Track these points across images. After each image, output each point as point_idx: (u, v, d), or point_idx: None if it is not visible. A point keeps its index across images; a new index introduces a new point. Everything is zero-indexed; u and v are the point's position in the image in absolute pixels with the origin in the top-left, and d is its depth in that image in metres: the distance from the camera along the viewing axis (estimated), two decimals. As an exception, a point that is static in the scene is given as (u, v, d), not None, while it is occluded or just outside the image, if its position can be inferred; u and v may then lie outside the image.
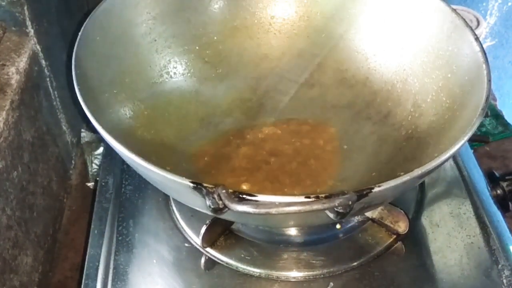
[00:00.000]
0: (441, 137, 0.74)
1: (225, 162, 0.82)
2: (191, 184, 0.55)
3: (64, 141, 0.99)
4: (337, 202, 0.52)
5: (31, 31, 0.84)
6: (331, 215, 0.55)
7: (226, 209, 0.54)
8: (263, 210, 0.51)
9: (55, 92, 0.94)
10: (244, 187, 0.78)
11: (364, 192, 0.54)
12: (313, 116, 0.89)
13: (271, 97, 0.92)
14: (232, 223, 0.77)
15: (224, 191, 0.53)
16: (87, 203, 0.98)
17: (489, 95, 0.66)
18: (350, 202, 0.53)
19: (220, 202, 0.53)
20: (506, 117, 1.15)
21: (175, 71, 0.89)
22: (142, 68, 0.86)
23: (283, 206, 0.52)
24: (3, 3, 0.80)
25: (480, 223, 0.80)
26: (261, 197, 0.53)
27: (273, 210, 0.51)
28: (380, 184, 0.55)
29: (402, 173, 0.57)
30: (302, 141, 0.86)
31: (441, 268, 0.75)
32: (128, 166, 0.88)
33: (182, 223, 0.80)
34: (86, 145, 1.05)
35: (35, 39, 0.86)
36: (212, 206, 0.54)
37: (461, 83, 0.75)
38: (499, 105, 1.22)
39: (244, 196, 0.53)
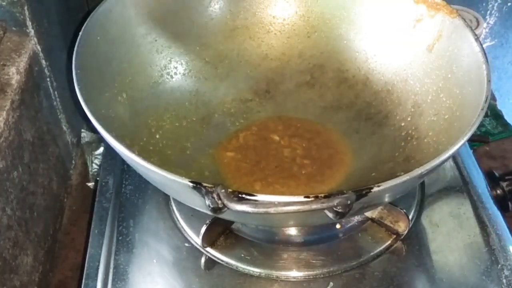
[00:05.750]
0: (441, 137, 0.74)
1: (226, 162, 0.83)
2: (191, 184, 0.55)
3: (64, 141, 1.00)
4: (336, 201, 0.52)
5: (31, 31, 0.84)
6: (330, 215, 0.55)
7: (226, 208, 0.54)
8: (262, 210, 0.51)
9: (55, 92, 0.94)
10: (257, 187, 0.79)
11: (364, 192, 0.55)
12: (314, 116, 0.90)
13: (271, 97, 0.92)
14: (232, 223, 0.77)
15: (223, 190, 0.53)
16: (87, 203, 0.98)
17: (489, 95, 0.66)
18: (349, 202, 0.53)
19: (220, 202, 0.53)
20: (506, 117, 1.16)
21: (175, 71, 0.89)
22: (142, 68, 0.86)
23: (282, 205, 0.52)
24: (3, 3, 0.80)
25: (480, 223, 0.80)
26: (260, 197, 0.53)
27: (272, 210, 0.51)
28: (379, 184, 0.55)
29: (402, 173, 0.57)
30: (304, 142, 0.86)
31: (441, 268, 0.75)
32: (128, 166, 0.88)
33: (182, 223, 0.80)
34: (86, 145, 1.06)
35: (35, 39, 0.86)
36: (211, 206, 0.54)
37: (461, 84, 0.75)
38: (499, 105, 1.22)
39: (243, 195, 0.53)
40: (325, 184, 0.80)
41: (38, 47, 0.87)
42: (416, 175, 0.58)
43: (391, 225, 0.78)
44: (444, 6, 0.80)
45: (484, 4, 1.33)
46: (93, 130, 1.05)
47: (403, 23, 0.86)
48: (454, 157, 0.89)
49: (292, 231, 0.79)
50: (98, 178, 0.92)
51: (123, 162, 0.89)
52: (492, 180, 0.87)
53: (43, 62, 0.89)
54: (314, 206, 0.52)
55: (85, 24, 0.75)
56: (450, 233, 0.79)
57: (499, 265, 0.75)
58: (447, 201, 0.83)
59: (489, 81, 0.68)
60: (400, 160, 0.78)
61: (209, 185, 0.55)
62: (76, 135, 1.05)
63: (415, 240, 0.78)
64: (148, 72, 0.86)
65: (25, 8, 0.82)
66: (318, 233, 0.79)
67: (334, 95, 0.91)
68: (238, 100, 0.91)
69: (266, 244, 0.77)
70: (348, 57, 0.92)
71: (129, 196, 0.85)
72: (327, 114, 0.90)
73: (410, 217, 0.79)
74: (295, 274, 0.74)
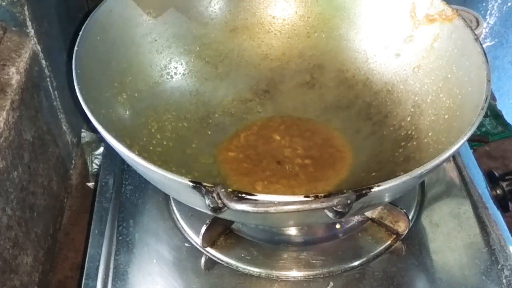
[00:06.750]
0: (441, 137, 0.74)
1: (227, 162, 0.83)
2: (191, 183, 0.55)
3: (64, 141, 1.00)
4: (335, 201, 0.52)
5: (31, 31, 0.84)
6: (330, 215, 0.55)
7: (225, 208, 0.54)
8: (261, 209, 0.51)
9: (55, 92, 0.94)
10: (258, 187, 0.79)
11: (363, 192, 0.54)
12: (314, 116, 0.90)
13: (271, 98, 0.92)
14: (232, 222, 0.77)
15: (223, 190, 0.53)
16: (87, 203, 0.98)
17: (489, 95, 0.66)
18: (348, 201, 0.53)
19: (219, 201, 0.53)
20: (506, 117, 1.16)
21: (175, 71, 0.89)
22: (142, 68, 0.86)
23: (282, 205, 0.52)
24: (3, 3, 0.80)
25: (480, 223, 0.80)
26: (260, 196, 0.53)
27: (271, 209, 0.51)
28: (379, 184, 0.55)
29: (402, 173, 0.57)
30: (305, 142, 0.86)
31: (441, 268, 0.75)
32: (128, 166, 0.88)
33: (182, 223, 0.80)
34: (86, 145, 1.06)
35: (35, 39, 0.86)
36: (211, 205, 0.55)
37: (461, 84, 0.75)
38: (499, 105, 1.22)
39: (243, 195, 0.53)
40: (326, 184, 0.80)
41: (38, 47, 0.87)
42: (416, 175, 0.58)
43: (391, 225, 0.78)
44: (440, 12, 0.80)
45: (484, 4, 1.33)
46: (93, 130, 1.05)
47: (403, 23, 0.86)
48: (454, 157, 0.89)
49: (292, 231, 0.79)
50: (98, 178, 0.92)
51: (123, 162, 0.89)
52: (492, 180, 0.87)
53: (43, 62, 0.89)
54: (314, 206, 0.52)
55: (85, 24, 0.75)
56: (450, 233, 0.79)
57: (499, 265, 0.75)
58: (447, 201, 0.83)
59: (489, 81, 0.68)
60: (400, 160, 0.78)
61: (209, 185, 0.55)
62: (76, 135, 1.05)
63: (415, 240, 0.78)
64: (148, 72, 0.86)
65: (25, 8, 0.82)
66: (318, 233, 0.79)
67: (334, 95, 0.91)
68: (238, 100, 0.92)
69: (266, 244, 0.77)
70: (348, 57, 0.92)
71: (129, 196, 0.85)
72: (327, 114, 0.90)
73: (410, 217, 0.79)
74: (295, 274, 0.74)
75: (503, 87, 1.43)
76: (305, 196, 0.53)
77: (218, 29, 0.93)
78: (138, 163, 0.59)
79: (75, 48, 0.72)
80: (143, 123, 0.81)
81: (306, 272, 0.74)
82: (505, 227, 0.80)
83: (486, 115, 1.14)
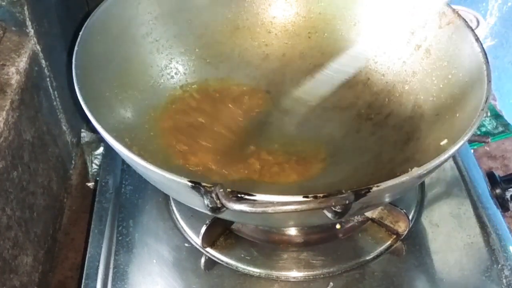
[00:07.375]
0: (441, 137, 0.74)
1: (229, 160, 0.83)
2: (190, 183, 0.55)
3: (64, 141, 0.99)
4: (334, 201, 0.52)
5: (31, 31, 0.84)
6: (329, 215, 0.55)
7: (224, 208, 0.54)
8: (259, 209, 0.51)
9: (55, 92, 0.94)
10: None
11: (363, 192, 0.54)
12: (315, 116, 0.89)
13: (272, 98, 0.92)
14: (232, 223, 0.77)
15: (221, 190, 0.53)
16: (87, 203, 0.98)
17: (489, 95, 0.66)
18: (347, 202, 0.53)
19: (218, 202, 0.53)
20: (506, 117, 1.15)
21: (176, 71, 0.89)
22: (143, 68, 0.86)
23: (280, 205, 0.52)
24: (3, 3, 0.80)
25: (480, 223, 0.80)
26: (259, 196, 0.53)
27: (269, 209, 0.51)
28: (378, 184, 0.55)
29: (401, 174, 0.57)
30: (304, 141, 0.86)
31: (441, 268, 0.75)
32: (128, 166, 0.88)
33: (182, 223, 0.80)
34: (86, 145, 1.06)
35: (35, 39, 0.86)
36: (210, 205, 0.55)
37: (462, 84, 0.75)
38: (499, 105, 1.22)
39: (242, 195, 0.53)
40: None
41: (38, 47, 0.87)
42: (415, 175, 0.58)
43: (391, 225, 0.78)
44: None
45: (484, 4, 1.33)
46: (93, 130, 1.05)
47: (404, 23, 0.86)
48: (454, 157, 0.89)
49: (292, 231, 0.79)
50: (98, 178, 0.92)
51: (123, 162, 0.89)
52: (492, 180, 0.87)
53: (43, 62, 0.89)
54: (312, 206, 0.52)
55: (86, 24, 0.75)
56: (450, 233, 0.79)
57: (499, 265, 0.75)
58: (447, 201, 0.83)
59: (489, 81, 0.68)
60: (400, 160, 0.78)
61: (208, 185, 0.55)
62: (76, 135, 1.05)
63: (415, 240, 0.78)
64: (148, 72, 0.86)
65: (25, 8, 0.82)
66: (318, 233, 0.79)
67: (334, 96, 0.91)
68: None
69: (266, 244, 0.77)
70: (349, 58, 0.92)
71: (129, 196, 0.85)
72: (328, 115, 0.90)
73: (410, 217, 0.79)
74: (295, 274, 0.74)
75: (503, 87, 1.43)
76: (303, 196, 0.53)
77: (219, 30, 0.93)
78: (137, 163, 0.59)
79: (75, 48, 0.72)
80: (143, 123, 0.81)
81: (306, 273, 0.74)
82: (505, 227, 0.80)
83: (486, 115, 1.14)
